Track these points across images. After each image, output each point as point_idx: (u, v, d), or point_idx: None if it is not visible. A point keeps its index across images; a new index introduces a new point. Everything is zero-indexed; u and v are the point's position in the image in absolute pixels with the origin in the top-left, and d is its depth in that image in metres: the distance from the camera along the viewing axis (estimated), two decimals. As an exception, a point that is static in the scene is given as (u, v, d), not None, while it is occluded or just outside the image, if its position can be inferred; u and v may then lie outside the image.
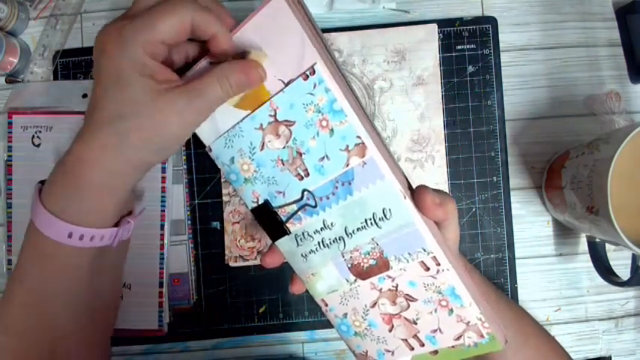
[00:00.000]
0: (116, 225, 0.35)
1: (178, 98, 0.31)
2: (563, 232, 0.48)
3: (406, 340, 0.37)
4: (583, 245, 0.47)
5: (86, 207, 0.32)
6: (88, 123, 0.31)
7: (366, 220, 0.35)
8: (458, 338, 0.35)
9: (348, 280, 0.37)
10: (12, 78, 0.47)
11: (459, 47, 0.47)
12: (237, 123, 0.35)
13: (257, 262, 0.47)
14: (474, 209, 0.47)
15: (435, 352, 0.36)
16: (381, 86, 0.47)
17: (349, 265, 0.36)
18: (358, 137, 0.33)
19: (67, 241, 0.32)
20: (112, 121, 0.31)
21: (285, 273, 0.47)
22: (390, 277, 0.35)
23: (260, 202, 0.37)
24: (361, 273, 0.36)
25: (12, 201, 0.46)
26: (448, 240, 0.35)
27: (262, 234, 0.47)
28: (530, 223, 0.48)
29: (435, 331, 0.36)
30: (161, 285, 0.45)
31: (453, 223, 0.34)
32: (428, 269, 0.34)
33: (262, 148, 0.35)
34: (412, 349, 0.37)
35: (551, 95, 0.48)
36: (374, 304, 0.37)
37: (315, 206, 0.35)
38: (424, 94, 0.47)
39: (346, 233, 0.35)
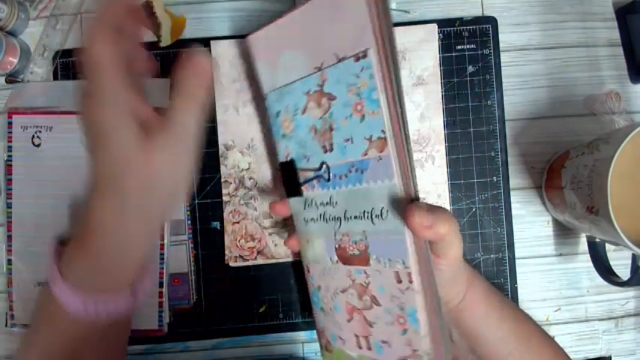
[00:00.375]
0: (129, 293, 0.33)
1: (164, 141, 0.29)
2: (563, 232, 0.48)
3: (358, 337, 0.37)
4: (583, 245, 0.47)
5: (101, 278, 0.31)
6: (90, 188, 0.31)
7: (364, 212, 0.35)
8: None
9: (331, 259, 0.38)
10: (12, 78, 0.47)
11: (459, 47, 0.47)
12: (291, 82, 0.38)
13: (257, 262, 0.47)
14: (474, 209, 0.47)
15: None
16: (381, 86, 0.47)
17: (336, 246, 0.37)
18: (383, 132, 0.33)
19: (81, 311, 0.30)
20: (107, 184, 0.30)
21: (285, 273, 0.47)
22: (365, 273, 0.36)
23: (289, 159, 0.39)
24: (344, 257, 0.37)
25: (12, 201, 0.46)
26: (446, 257, 0.34)
27: (262, 234, 0.47)
28: (530, 223, 0.48)
29: (384, 342, 0.36)
30: (161, 285, 0.45)
31: (453, 242, 0.33)
32: (400, 282, 0.34)
33: (304, 112, 0.38)
34: (360, 347, 0.37)
35: (551, 95, 0.48)
36: (344, 291, 0.38)
37: (328, 180, 0.37)
38: (424, 94, 0.47)
39: (345, 216, 0.37)
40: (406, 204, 0.32)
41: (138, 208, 0.30)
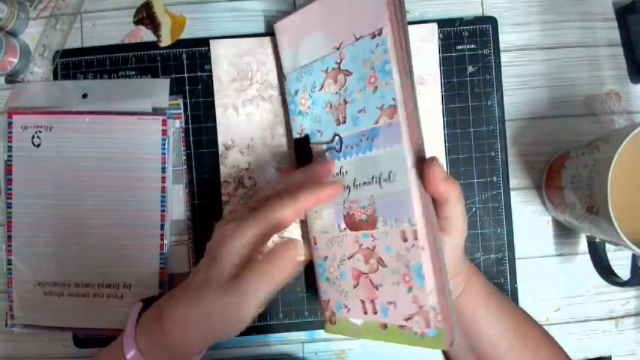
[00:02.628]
0: None
1: (233, 297, 0.34)
2: (563, 232, 0.48)
3: (364, 302, 0.38)
4: (583, 245, 0.47)
5: (157, 348, 0.36)
6: (179, 293, 0.37)
7: (372, 177, 0.37)
8: (408, 319, 0.35)
9: (339, 227, 0.40)
10: (12, 78, 0.47)
11: (459, 47, 0.47)
12: (311, 62, 0.41)
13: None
14: (474, 209, 0.47)
15: (385, 326, 0.37)
16: (381, 86, 0.47)
17: (345, 214, 0.39)
18: (394, 99, 0.36)
19: None
20: (190, 317, 0.35)
21: (285, 273, 0.47)
22: (373, 236, 0.38)
23: (303, 135, 0.42)
24: (352, 224, 0.39)
25: (12, 201, 0.46)
26: (451, 232, 0.36)
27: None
28: (530, 223, 0.48)
29: (390, 303, 0.37)
30: (161, 285, 0.45)
31: (458, 215, 0.36)
32: (406, 240, 0.35)
33: (321, 89, 0.41)
34: (366, 312, 0.38)
35: (551, 95, 0.48)
36: (351, 257, 0.39)
37: (340, 151, 0.40)
38: (424, 94, 0.47)
39: (354, 184, 0.39)
40: (415, 163, 0.35)
41: (195, 326, 0.35)
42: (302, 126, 0.42)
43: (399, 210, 0.35)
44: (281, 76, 0.45)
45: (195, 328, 0.35)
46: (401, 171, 0.35)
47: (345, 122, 0.39)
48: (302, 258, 0.36)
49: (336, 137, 0.40)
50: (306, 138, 0.42)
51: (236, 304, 0.34)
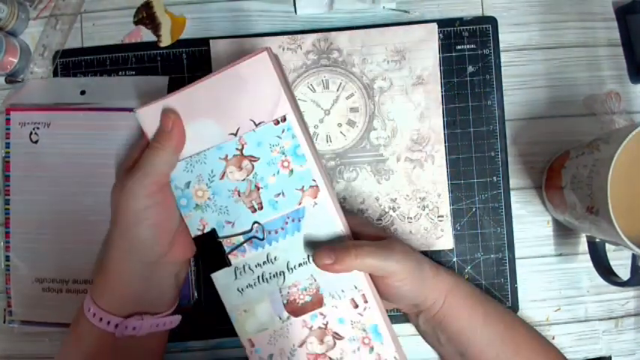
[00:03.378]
0: (128, 317, 0.38)
1: (131, 182, 0.36)
2: (563, 232, 0.48)
3: None
4: (583, 245, 0.47)
5: (108, 295, 0.38)
6: (108, 243, 0.39)
7: (307, 256, 0.37)
8: None
9: (280, 318, 0.38)
10: (12, 78, 0.47)
11: (459, 47, 0.47)
12: (203, 151, 0.38)
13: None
14: (474, 209, 0.47)
15: None
16: (381, 86, 0.47)
17: (285, 302, 0.38)
18: (314, 180, 0.37)
19: (92, 320, 0.37)
20: (113, 236, 0.38)
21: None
22: (322, 314, 0.38)
23: (206, 231, 0.38)
24: (296, 310, 0.38)
25: (10, 197, 0.46)
26: (389, 276, 0.37)
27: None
28: (530, 223, 0.48)
29: None
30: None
31: (379, 265, 0.36)
32: (357, 306, 0.37)
33: (222, 178, 0.38)
34: None
35: (551, 95, 0.48)
36: (302, 344, 0.38)
37: (263, 239, 0.38)
38: (424, 94, 0.47)
39: (288, 268, 0.38)
40: (348, 231, 0.37)
41: (129, 243, 0.37)
42: (202, 220, 0.38)
43: (343, 279, 0.37)
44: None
45: (118, 246, 0.37)
46: (338, 242, 0.37)
47: (262, 208, 0.38)
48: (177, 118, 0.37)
49: (255, 225, 0.38)
50: (212, 232, 0.38)
51: (130, 189, 0.36)
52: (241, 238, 0.38)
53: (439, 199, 0.47)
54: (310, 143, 0.38)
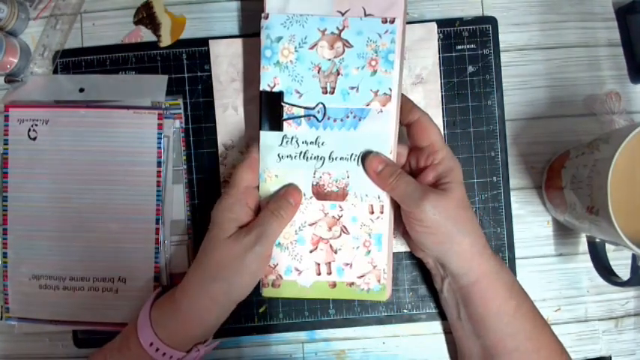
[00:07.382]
0: (188, 351, 0.39)
1: (240, 245, 0.38)
2: (563, 232, 0.48)
3: (319, 264, 0.41)
4: (583, 245, 0.47)
5: (180, 336, 0.39)
6: (189, 280, 0.40)
7: (351, 155, 0.39)
8: (361, 277, 0.41)
9: (304, 195, 0.41)
10: (12, 78, 0.47)
11: (459, 47, 0.47)
12: (306, 14, 0.39)
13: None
14: (474, 209, 0.47)
15: (334, 284, 0.41)
16: (381, 86, 0.47)
17: (314, 183, 0.40)
18: (390, 89, 0.38)
19: (152, 353, 0.38)
20: (204, 281, 0.38)
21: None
22: (340, 207, 0.40)
23: (275, 90, 0.40)
24: (320, 194, 0.40)
25: (8, 194, 0.46)
26: (419, 220, 0.38)
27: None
28: (530, 223, 0.48)
29: (347, 264, 0.41)
30: (156, 279, 0.45)
31: (408, 206, 0.38)
32: (372, 212, 0.40)
33: (312, 48, 0.39)
34: (319, 274, 0.41)
35: (551, 95, 0.48)
36: (313, 224, 0.41)
37: (320, 121, 0.39)
38: (423, 93, 0.47)
39: (330, 157, 0.40)
40: (394, 149, 0.39)
41: (212, 282, 0.38)
42: (276, 79, 0.39)
43: (371, 186, 0.39)
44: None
45: (208, 290, 0.37)
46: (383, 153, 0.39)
47: (333, 93, 0.39)
48: (301, 196, 0.40)
49: (320, 105, 0.39)
50: (279, 94, 0.39)
51: (247, 251, 0.37)
52: (302, 112, 0.40)
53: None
54: (402, 57, 0.39)
